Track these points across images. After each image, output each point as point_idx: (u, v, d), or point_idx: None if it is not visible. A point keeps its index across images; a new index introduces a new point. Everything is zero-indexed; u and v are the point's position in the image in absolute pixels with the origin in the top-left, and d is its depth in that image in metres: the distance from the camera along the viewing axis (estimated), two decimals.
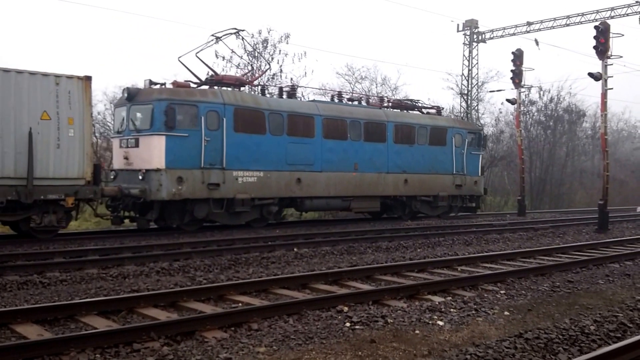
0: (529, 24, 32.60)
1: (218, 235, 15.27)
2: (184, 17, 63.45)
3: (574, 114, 42.16)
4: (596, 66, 20.21)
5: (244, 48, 26.88)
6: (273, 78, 27.63)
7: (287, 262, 11.38)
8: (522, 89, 26.02)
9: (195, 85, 17.30)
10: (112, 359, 5.40)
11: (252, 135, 16.88)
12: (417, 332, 6.31)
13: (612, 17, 29.20)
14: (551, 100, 40.95)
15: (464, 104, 36.48)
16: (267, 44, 27.29)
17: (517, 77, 24.99)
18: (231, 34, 18.74)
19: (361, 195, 19.76)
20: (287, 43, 27.26)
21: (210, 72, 18.40)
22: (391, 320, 6.71)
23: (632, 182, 44.75)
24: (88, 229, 18.70)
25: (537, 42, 31.16)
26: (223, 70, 26.84)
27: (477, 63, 36.34)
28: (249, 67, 18.93)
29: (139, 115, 16.03)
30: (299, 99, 20.33)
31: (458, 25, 36.12)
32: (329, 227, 17.92)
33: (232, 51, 27.17)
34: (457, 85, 37.57)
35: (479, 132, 24.70)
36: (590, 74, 19.22)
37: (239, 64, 27.13)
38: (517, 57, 24.80)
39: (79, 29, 59.21)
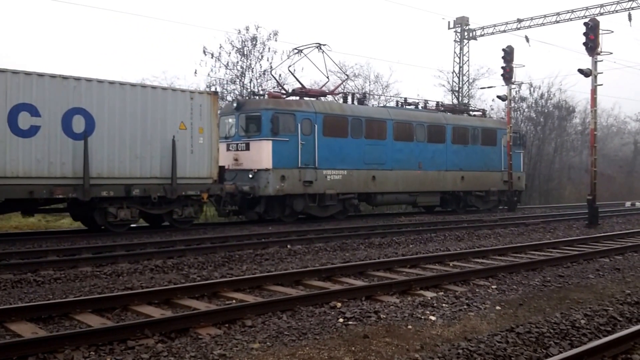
0: (519, 21, 32.74)
1: (211, 232, 15.28)
2: (182, 17, 63.18)
3: (563, 110, 42.38)
4: (586, 62, 20.40)
5: (237, 49, 27.08)
6: (264, 74, 27.70)
7: (281, 259, 11.41)
8: (513, 86, 26.14)
9: (284, 95, 20.06)
10: (107, 356, 5.40)
11: (338, 138, 19.51)
12: (409, 327, 6.37)
13: (601, 14, 29.42)
14: (541, 96, 41.18)
15: (455, 100, 36.59)
16: (256, 41, 27.35)
17: (507, 73, 25.10)
18: (313, 48, 20.76)
19: (425, 190, 22.30)
20: (276, 40, 27.39)
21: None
22: (384, 316, 6.76)
23: (620, 178, 45.07)
24: (80, 227, 18.63)
25: (527, 39, 31.33)
26: (212, 69, 27.15)
27: (468, 60, 36.48)
28: (326, 79, 22.70)
29: (248, 122, 18.60)
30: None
31: (449, 22, 36.22)
32: (321, 224, 17.98)
33: (221, 46, 27.39)
34: (449, 82, 37.74)
35: (520, 132, 27.29)
36: (580, 71, 19.31)
37: (227, 63, 27.23)
38: (508, 54, 24.91)
39: (77, 29, 58.88)
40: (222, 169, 16.71)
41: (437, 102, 25.04)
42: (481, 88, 36.96)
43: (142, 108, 14.91)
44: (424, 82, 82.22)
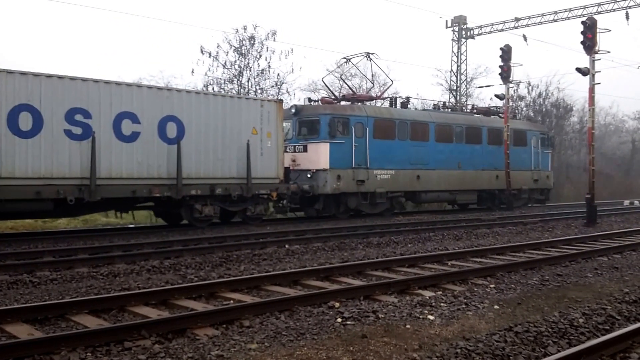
0: (517, 19, 32.75)
1: (209, 232, 15.25)
2: (179, 17, 63.10)
3: (561, 108, 42.41)
4: (584, 61, 20.37)
5: (235, 49, 27.15)
6: (262, 73, 27.68)
7: (279, 259, 11.38)
8: (511, 85, 26.13)
9: (335, 101, 21.55)
10: (104, 357, 5.37)
11: (386, 140, 20.88)
12: (408, 326, 6.35)
13: (599, 13, 29.46)
14: (539, 95, 41.22)
15: (453, 99, 36.60)
16: (254, 41, 27.32)
17: (505, 72, 25.08)
18: (362, 57, 22.27)
19: (463, 189, 23.67)
20: (274, 40, 27.42)
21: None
22: (382, 315, 6.74)
23: (618, 176, 45.10)
24: (76, 227, 18.60)
25: (525, 38, 31.35)
26: (209, 69, 27.22)
27: (465, 59, 36.49)
28: (370, 84, 24.84)
29: (306, 126, 20.01)
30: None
31: (447, 21, 36.25)
32: (319, 224, 17.96)
33: (218, 45, 27.40)
34: (447, 81, 37.74)
35: (548, 133, 28.67)
36: (578, 69, 19.31)
37: (225, 62, 27.21)
38: (505, 52, 24.89)
39: (76, 29, 58.85)
40: (287, 170, 18.23)
41: (472, 105, 26.55)
42: (479, 87, 37.10)
43: (222, 115, 16.46)
44: (422, 81, 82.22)
